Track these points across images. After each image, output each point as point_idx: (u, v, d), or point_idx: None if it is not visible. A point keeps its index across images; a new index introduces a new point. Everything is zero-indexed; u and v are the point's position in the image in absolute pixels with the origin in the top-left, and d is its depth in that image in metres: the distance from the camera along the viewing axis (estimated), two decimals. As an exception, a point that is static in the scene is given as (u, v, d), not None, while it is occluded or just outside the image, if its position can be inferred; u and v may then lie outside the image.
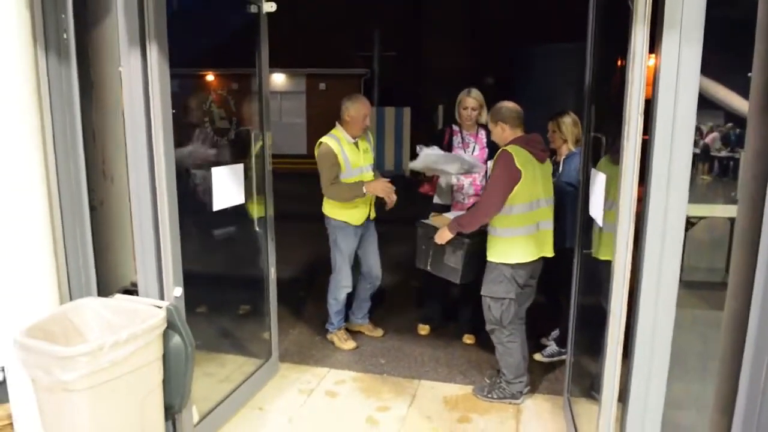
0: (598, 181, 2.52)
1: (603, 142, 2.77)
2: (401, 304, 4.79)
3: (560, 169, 3.57)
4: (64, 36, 2.37)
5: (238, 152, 3.15)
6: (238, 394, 3.10)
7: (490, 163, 3.49)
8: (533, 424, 3.06)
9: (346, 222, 3.71)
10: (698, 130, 2.01)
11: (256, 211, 3.25)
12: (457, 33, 17.20)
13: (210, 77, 3.19)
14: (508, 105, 3.12)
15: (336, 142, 3.59)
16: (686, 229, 2.03)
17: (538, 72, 11.10)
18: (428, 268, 3.51)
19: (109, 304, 2.39)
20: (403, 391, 3.38)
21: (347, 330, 4.06)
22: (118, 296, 2.47)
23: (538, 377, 3.54)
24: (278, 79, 17.98)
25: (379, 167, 3.92)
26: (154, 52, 2.25)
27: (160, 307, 2.32)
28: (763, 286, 1.73)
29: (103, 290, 2.61)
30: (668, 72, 1.90)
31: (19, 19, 2.16)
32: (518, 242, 3.05)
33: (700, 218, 2.50)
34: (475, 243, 3.23)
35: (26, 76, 2.21)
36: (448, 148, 3.77)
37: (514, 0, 14.93)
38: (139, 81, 2.29)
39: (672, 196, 1.97)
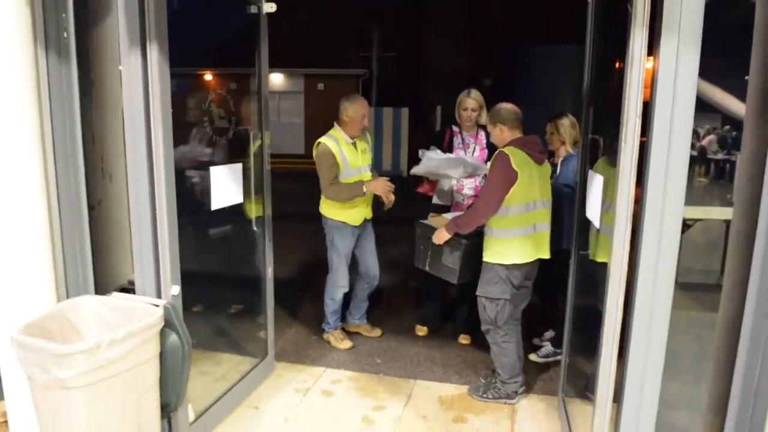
0: (596, 182, 2.54)
1: (600, 144, 2.79)
2: (398, 304, 4.80)
3: (558, 170, 3.59)
4: (65, 35, 2.37)
5: (237, 152, 3.16)
6: (234, 393, 3.11)
7: (488, 164, 3.50)
8: (528, 424, 3.07)
9: (343, 222, 3.71)
10: (695, 132, 2.03)
11: (254, 210, 3.26)
12: (456, 34, 17.23)
13: (210, 77, 3.19)
14: (507, 106, 3.14)
15: (334, 142, 3.60)
16: (682, 231, 2.05)
17: (537, 73, 11.12)
18: (426, 268, 3.53)
19: (106, 302, 2.39)
20: (399, 390, 3.39)
21: (345, 331, 4.06)
22: (116, 294, 2.47)
23: (533, 377, 3.55)
24: (276, 79, 17.98)
25: (376, 168, 3.92)
26: (154, 52, 2.25)
27: (158, 306, 2.32)
28: (758, 288, 1.74)
29: (101, 288, 2.61)
30: (666, 75, 1.91)
31: (20, 18, 2.15)
32: (514, 243, 3.06)
33: (696, 220, 2.51)
34: (473, 244, 3.25)
35: (26, 74, 2.21)
36: (448, 149, 3.78)
37: (514, 1, 14.95)
38: (139, 80, 2.29)
39: (669, 198, 1.98)
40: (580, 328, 2.91)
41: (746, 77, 1.89)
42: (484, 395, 3.28)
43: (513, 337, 3.21)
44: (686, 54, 1.89)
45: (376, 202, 3.76)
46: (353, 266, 3.92)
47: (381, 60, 16.65)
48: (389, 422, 3.05)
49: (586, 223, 2.72)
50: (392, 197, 3.67)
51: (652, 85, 1.97)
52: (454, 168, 3.57)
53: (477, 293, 3.19)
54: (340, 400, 3.28)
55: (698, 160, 2.39)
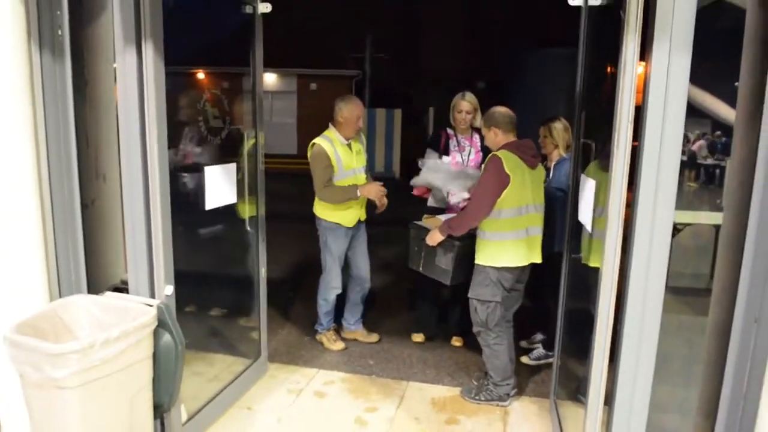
0: (588, 187, 2.56)
1: (592, 148, 2.81)
2: (391, 306, 4.81)
3: (551, 174, 3.61)
4: (59, 33, 2.36)
5: (231, 151, 3.16)
6: (227, 393, 3.10)
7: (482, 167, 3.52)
8: (520, 426, 3.09)
9: (337, 223, 3.71)
10: (685, 137, 2.05)
11: (247, 210, 3.25)
12: (449, 36, 17.30)
13: (205, 76, 3.19)
14: (501, 110, 3.16)
15: (329, 143, 3.60)
16: (672, 235, 2.07)
17: (530, 77, 11.17)
18: (420, 269, 3.54)
19: (99, 301, 2.38)
20: (392, 392, 3.40)
21: (342, 337, 4.05)
22: (109, 294, 2.46)
23: (524, 380, 3.57)
24: (269, 79, 17.93)
25: (369, 169, 3.92)
26: (149, 50, 2.25)
27: (151, 306, 2.32)
28: (747, 292, 1.77)
29: (93, 288, 2.60)
30: (658, 81, 1.94)
31: (14, 15, 2.15)
32: (506, 246, 3.08)
33: (686, 225, 2.54)
34: (466, 246, 3.27)
35: (20, 72, 2.20)
36: (444, 151, 3.79)
37: (508, 4, 15.02)
38: (134, 79, 2.28)
39: (660, 202, 2.00)
40: (572, 331, 2.94)
41: (736, 83, 1.92)
42: (477, 397, 3.29)
43: (504, 339, 3.23)
44: (678, 59, 1.91)
45: (370, 203, 3.76)
46: (345, 268, 3.92)
47: (374, 61, 16.66)
48: (382, 423, 3.06)
49: (578, 227, 2.74)
50: (385, 201, 3.68)
51: (644, 90, 2.00)
52: (456, 180, 3.55)
53: (468, 295, 3.21)
54: (333, 401, 3.28)
55: (688, 164, 2.42)
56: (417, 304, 4.24)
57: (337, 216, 3.70)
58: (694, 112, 2.03)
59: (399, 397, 3.34)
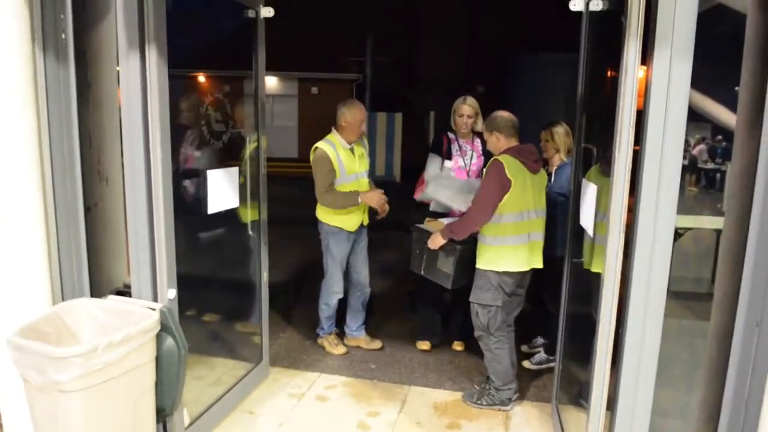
0: (589, 191, 2.57)
1: (593, 153, 2.82)
2: (392, 310, 4.80)
3: (552, 179, 3.62)
4: (63, 36, 2.37)
5: (233, 155, 3.16)
6: (229, 397, 3.10)
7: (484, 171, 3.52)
8: (522, 430, 3.09)
9: (339, 227, 3.71)
10: (685, 142, 2.06)
11: (249, 214, 3.26)
12: (450, 40, 17.32)
13: (208, 80, 3.20)
14: (504, 115, 3.16)
15: (332, 147, 3.61)
16: (673, 240, 2.08)
17: (531, 81, 11.20)
18: (422, 272, 3.55)
19: (102, 305, 2.39)
20: (394, 396, 3.40)
21: (344, 344, 4.03)
22: (112, 297, 2.47)
23: (526, 384, 3.57)
24: (270, 83, 17.97)
25: (370, 173, 3.92)
26: (153, 54, 2.26)
27: (154, 309, 2.32)
28: (749, 296, 1.78)
29: (96, 291, 2.60)
30: (659, 86, 1.95)
31: (18, 19, 2.16)
32: (507, 251, 3.08)
33: (687, 229, 2.55)
34: (467, 250, 3.27)
35: (24, 75, 2.21)
36: (447, 156, 3.79)
37: (509, 8, 15.05)
38: (138, 82, 2.29)
39: (661, 207, 2.01)
40: (573, 336, 2.94)
41: (736, 88, 1.92)
42: (478, 402, 3.29)
43: (506, 343, 3.23)
44: (679, 65, 1.93)
45: (372, 208, 3.76)
46: (346, 273, 3.90)
47: (375, 65, 16.67)
48: (384, 428, 3.06)
49: (580, 232, 2.75)
50: (387, 208, 3.68)
51: (645, 94, 2.01)
52: (464, 195, 3.50)
53: (470, 299, 3.21)
54: (335, 406, 3.28)
55: (689, 169, 2.43)
56: (419, 309, 4.21)
57: (339, 220, 3.70)
58: (694, 116, 2.04)
59: (401, 402, 3.34)
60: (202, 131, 2.94)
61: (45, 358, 1.97)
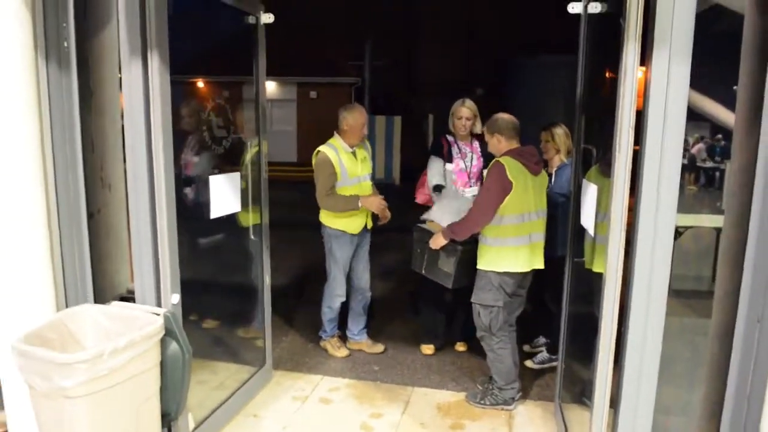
0: (590, 191, 2.58)
1: (593, 154, 2.84)
2: (394, 312, 4.81)
3: (552, 180, 3.64)
4: (65, 45, 2.39)
5: (235, 160, 3.18)
6: (233, 401, 3.11)
7: (485, 172, 3.54)
8: (525, 429, 3.10)
9: (342, 231, 3.72)
10: (684, 141, 2.08)
11: (251, 218, 3.27)
12: (448, 43, 17.34)
13: (209, 86, 3.22)
14: (504, 117, 3.18)
15: (334, 151, 3.62)
16: (674, 239, 2.09)
17: (530, 83, 11.23)
18: (423, 271, 3.56)
19: (106, 311, 2.39)
20: (397, 397, 3.41)
21: (347, 348, 4.04)
22: (116, 303, 2.47)
23: (529, 384, 3.58)
24: (269, 87, 17.96)
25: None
26: (155, 60, 2.27)
27: (158, 314, 2.33)
28: (749, 293, 1.79)
29: (99, 297, 2.61)
30: (658, 86, 1.97)
31: (21, 28, 2.17)
32: (507, 252, 3.10)
33: (687, 228, 2.56)
34: (468, 250, 3.29)
35: (27, 83, 2.22)
36: (448, 158, 3.81)
37: (507, 11, 15.08)
38: (140, 89, 2.31)
39: (662, 206, 2.02)
40: (575, 335, 2.95)
41: (735, 87, 1.94)
42: (482, 401, 3.30)
43: (508, 343, 3.24)
44: (677, 67, 1.94)
45: (374, 213, 3.78)
46: (347, 277, 3.90)
47: (374, 69, 16.70)
48: (387, 429, 3.06)
49: (581, 231, 2.76)
50: (388, 214, 3.70)
51: (644, 95, 2.02)
52: (464, 206, 3.46)
53: (471, 300, 3.23)
54: (338, 408, 3.29)
55: (688, 168, 2.45)
56: (422, 312, 4.21)
57: (341, 223, 3.71)
58: (692, 115, 2.06)
59: (404, 403, 3.35)
60: (204, 137, 2.96)
61: (50, 365, 1.98)
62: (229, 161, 3.15)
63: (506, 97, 11.74)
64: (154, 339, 2.23)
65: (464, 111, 3.80)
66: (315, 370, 3.74)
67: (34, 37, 2.25)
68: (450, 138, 3.88)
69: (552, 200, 3.40)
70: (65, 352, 2.09)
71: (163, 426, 2.40)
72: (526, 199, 3.08)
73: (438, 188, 3.77)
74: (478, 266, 3.18)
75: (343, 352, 3.95)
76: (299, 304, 4.96)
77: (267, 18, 3.11)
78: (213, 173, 2.88)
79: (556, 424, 3.10)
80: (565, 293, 3.00)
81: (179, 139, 2.62)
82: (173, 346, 2.35)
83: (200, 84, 3.17)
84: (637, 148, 2.07)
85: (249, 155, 3.27)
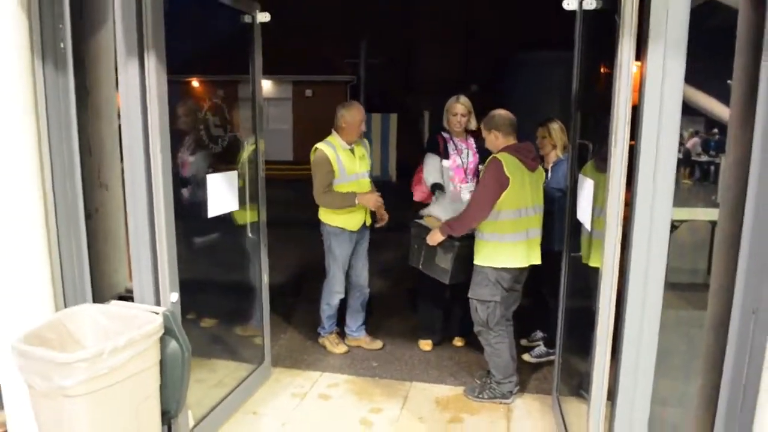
0: (586, 186, 2.60)
1: (589, 149, 2.86)
2: (392, 308, 4.83)
3: (548, 175, 3.65)
4: (61, 45, 2.38)
5: (232, 159, 3.18)
6: (232, 398, 3.12)
7: (481, 167, 3.55)
8: (523, 422, 3.13)
9: (341, 228, 3.73)
10: (680, 135, 2.09)
11: (249, 217, 3.28)
12: (444, 40, 17.33)
13: (205, 85, 3.22)
14: (502, 113, 3.20)
15: (331, 149, 3.63)
16: (669, 232, 2.11)
17: (526, 79, 11.22)
18: (420, 267, 3.58)
19: (105, 310, 2.40)
20: (396, 393, 3.43)
21: (345, 342, 4.05)
22: (115, 302, 2.48)
23: (526, 377, 3.60)
24: (264, 86, 17.83)
25: (366, 173, 3.94)
26: (151, 60, 2.27)
27: (157, 313, 2.34)
28: (744, 284, 1.81)
29: (98, 297, 2.61)
30: (653, 82, 1.98)
31: (17, 29, 2.17)
32: (504, 247, 3.11)
33: (682, 221, 2.58)
34: (465, 246, 3.31)
35: (23, 84, 2.22)
36: (444, 155, 3.82)
37: (503, 8, 15.08)
38: (137, 88, 2.31)
39: (657, 200, 2.04)
40: (572, 329, 2.97)
41: (729, 81, 1.96)
42: (480, 396, 3.32)
43: (505, 338, 3.27)
44: (672, 62, 1.96)
45: (374, 215, 3.79)
46: (346, 274, 3.91)
47: (369, 66, 16.68)
48: (387, 424, 3.08)
49: (578, 226, 2.78)
50: (386, 216, 3.72)
51: (639, 90, 2.04)
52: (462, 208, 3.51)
53: (468, 295, 3.25)
54: (338, 404, 3.31)
55: (683, 162, 2.46)
56: (420, 308, 4.23)
57: (341, 220, 3.72)
58: (687, 110, 2.07)
59: (403, 398, 3.37)
60: (201, 136, 2.96)
61: (50, 364, 1.99)
62: (226, 160, 3.15)
63: (502, 93, 11.73)
64: (153, 338, 2.24)
65: (459, 107, 3.81)
66: (314, 366, 3.76)
67: (30, 38, 2.25)
68: (445, 135, 3.88)
69: (548, 195, 3.42)
70: (64, 352, 2.09)
71: (163, 424, 2.41)
72: (522, 195, 3.09)
73: (437, 188, 3.78)
74: (475, 262, 3.19)
75: (341, 349, 3.97)
76: (297, 302, 4.97)
77: (263, 17, 3.11)
78: (210, 172, 2.89)
79: (553, 417, 3.12)
80: (562, 287, 3.02)
81: (176, 138, 2.62)
82: (172, 344, 2.35)
83: (196, 83, 3.17)
84: (633, 142, 2.09)
85: (246, 153, 3.27)
